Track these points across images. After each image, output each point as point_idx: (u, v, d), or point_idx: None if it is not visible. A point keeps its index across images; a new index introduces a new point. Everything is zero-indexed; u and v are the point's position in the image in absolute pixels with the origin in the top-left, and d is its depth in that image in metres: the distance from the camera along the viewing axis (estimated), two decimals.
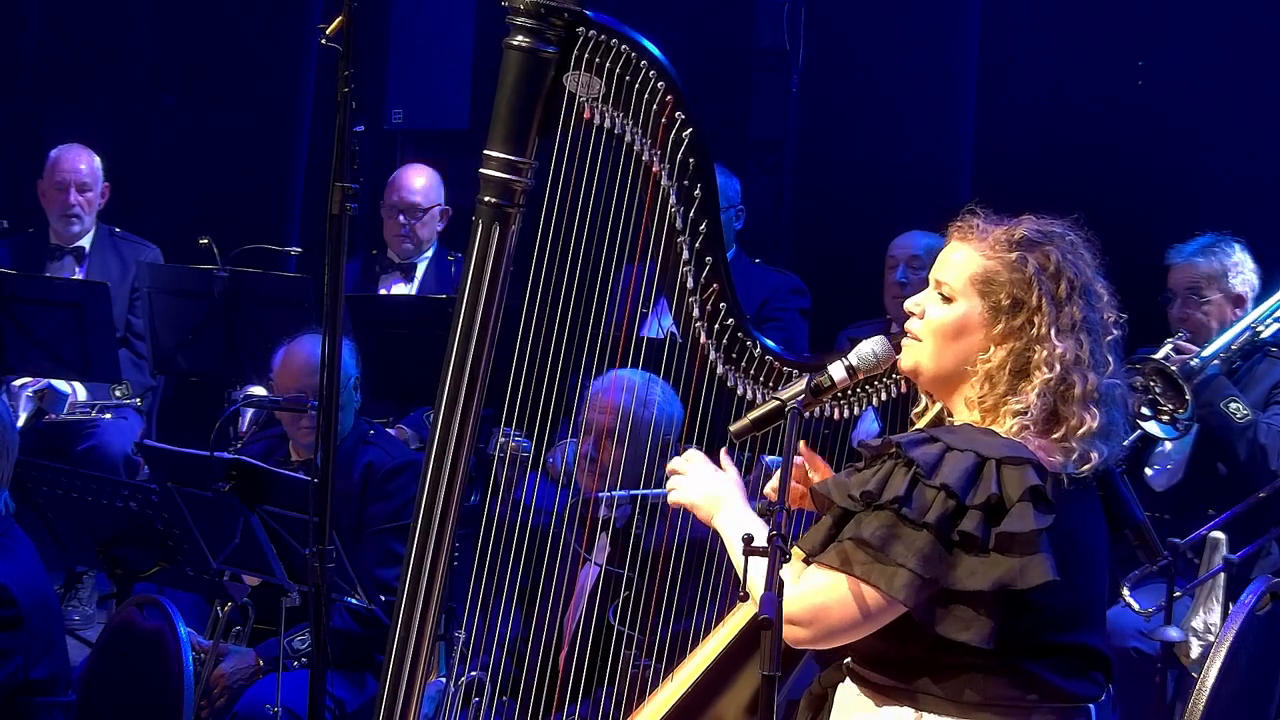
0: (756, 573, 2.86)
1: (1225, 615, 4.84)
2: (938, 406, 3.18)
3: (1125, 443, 3.07)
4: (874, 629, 2.94)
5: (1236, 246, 5.59)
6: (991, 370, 2.98)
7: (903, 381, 3.33)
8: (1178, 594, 4.83)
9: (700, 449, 3.38)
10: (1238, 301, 5.56)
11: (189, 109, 8.47)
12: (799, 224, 7.89)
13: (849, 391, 3.34)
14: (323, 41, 3.57)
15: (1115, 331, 3.00)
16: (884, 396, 3.38)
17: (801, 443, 3.31)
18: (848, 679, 3.11)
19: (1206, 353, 5.36)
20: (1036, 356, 2.95)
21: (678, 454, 4.59)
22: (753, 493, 3.68)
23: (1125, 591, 4.99)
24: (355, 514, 5.34)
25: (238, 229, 7.25)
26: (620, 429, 4.44)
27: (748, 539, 2.88)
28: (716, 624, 3.45)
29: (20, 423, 6.61)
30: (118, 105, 8.47)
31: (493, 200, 3.35)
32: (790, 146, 7.92)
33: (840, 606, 2.92)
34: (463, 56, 8.25)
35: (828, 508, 3.00)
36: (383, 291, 7.05)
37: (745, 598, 2.92)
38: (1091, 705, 3.06)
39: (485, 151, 3.36)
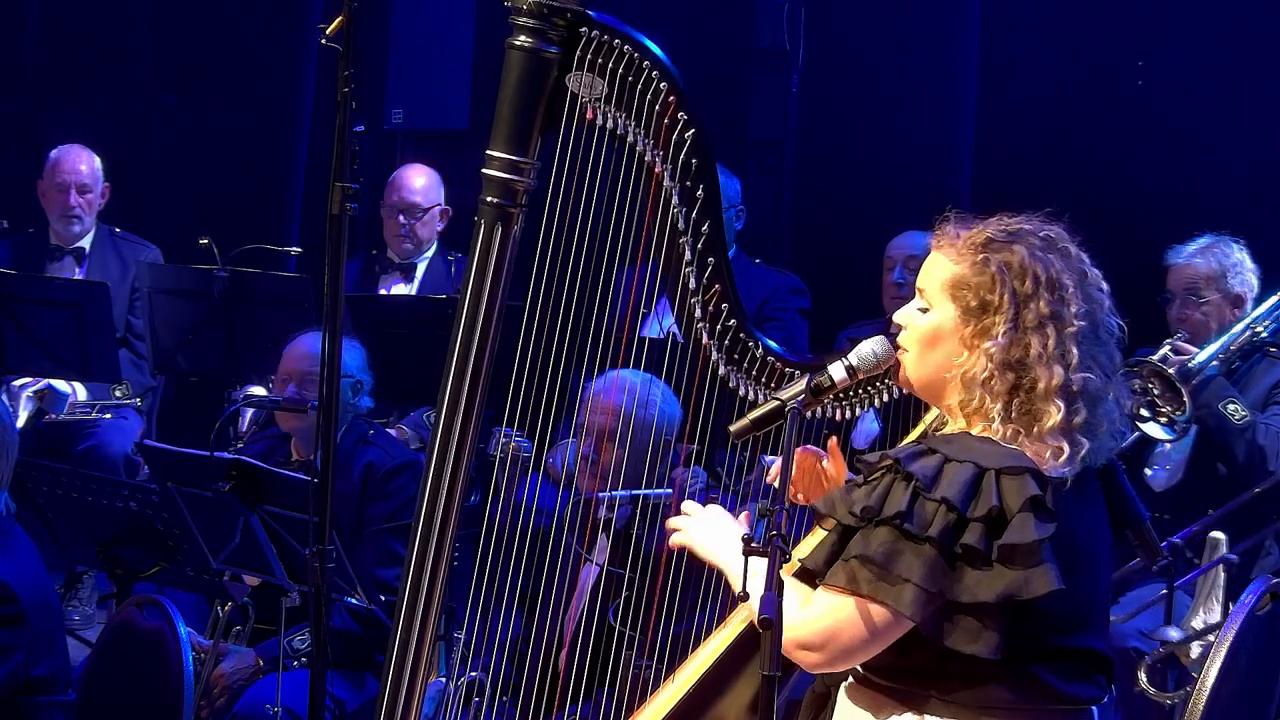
0: (756, 574, 2.86)
1: (1225, 615, 4.84)
2: (935, 410, 3.19)
3: (1124, 443, 3.06)
4: (885, 646, 2.94)
5: (1235, 247, 5.59)
6: (967, 374, 2.97)
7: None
8: (1168, 591, 4.85)
9: (701, 449, 3.38)
10: (1236, 302, 5.56)
11: (189, 109, 8.47)
12: (799, 224, 7.89)
13: (849, 392, 3.34)
14: (323, 41, 3.57)
15: (1079, 323, 2.94)
16: (884, 398, 3.38)
17: (834, 439, 3.32)
18: (850, 679, 3.11)
19: (1201, 357, 5.36)
20: (1014, 357, 2.94)
21: (678, 455, 4.61)
22: (753, 493, 3.69)
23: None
24: (355, 514, 5.34)
25: (238, 229, 7.25)
26: (620, 430, 4.44)
27: (747, 539, 2.88)
28: (717, 625, 3.45)
29: (20, 423, 6.61)
30: (118, 105, 8.47)
31: (495, 200, 3.35)
32: (790, 146, 7.93)
33: (850, 627, 2.92)
34: (463, 56, 8.26)
35: (829, 523, 3.00)
36: (383, 291, 7.06)
37: (745, 597, 2.92)
38: (1094, 707, 3.06)
39: (487, 152, 3.36)
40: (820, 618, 2.93)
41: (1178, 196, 6.95)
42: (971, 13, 7.49)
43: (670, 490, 4.52)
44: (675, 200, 3.37)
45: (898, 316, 3.10)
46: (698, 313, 3.41)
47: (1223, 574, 5.07)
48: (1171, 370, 5.32)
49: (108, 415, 6.95)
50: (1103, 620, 3.10)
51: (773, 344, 3.44)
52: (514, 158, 3.35)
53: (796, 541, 3.32)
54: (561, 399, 3.53)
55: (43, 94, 8.46)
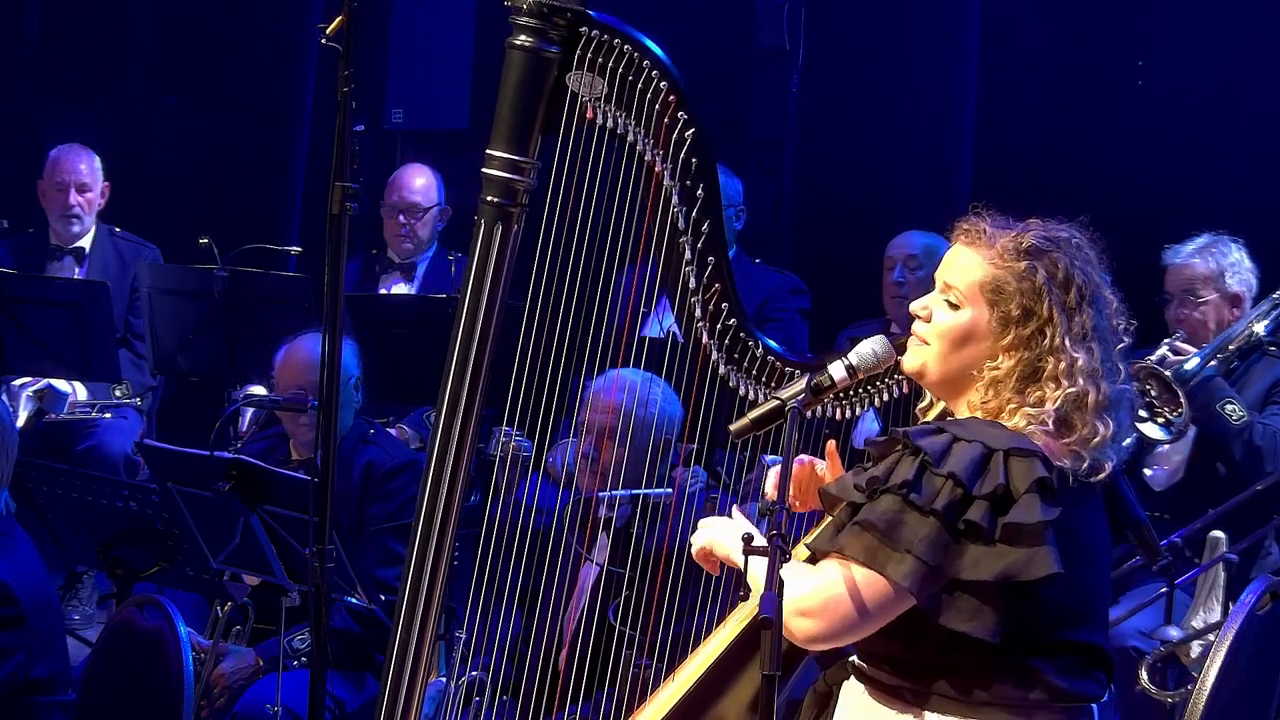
0: (757, 572, 2.86)
1: (1225, 614, 4.84)
2: (941, 404, 3.19)
3: (1126, 443, 3.07)
4: (884, 621, 2.93)
5: (1233, 246, 5.58)
6: (998, 378, 2.98)
7: (904, 382, 3.33)
8: (1168, 591, 4.85)
9: (701, 449, 3.38)
10: (1235, 302, 5.55)
11: (189, 109, 8.47)
12: (799, 224, 7.90)
13: (849, 391, 3.34)
14: (323, 41, 3.57)
15: (1127, 340, 3.00)
16: (884, 397, 3.38)
17: (831, 442, 3.32)
18: (853, 677, 3.11)
19: (1191, 365, 5.35)
20: (1051, 367, 2.95)
21: (677, 455, 4.61)
22: (754, 493, 3.69)
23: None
24: (355, 514, 5.34)
25: (238, 229, 7.25)
26: (620, 429, 4.44)
27: (747, 539, 2.89)
28: (717, 624, 3.45)
29: (20, 423, 6.61)
30: (118, 105, 8.47)
31: (495, 200, 3.35)
32: (790, 146, 7.93)
33: (849, 596, 2.91)
34: (463, 56, 8.26)
35: (836, 507, 3.01)
36: (383, 291, 7.06)
37: (745, 597, 2.92)
38: (1094, 705, 3.06)
39: (488, 151, 3.36)
40: (820, 587, 2.92)
41: (1177, 196, 6.95)
42: (971, 13, 7.49)
43: (670, 490, 4.52)
44: (675, 199, 3.37)
45: (917, 305, 3.08)
46: (697, 312, 3.42)
47: (1222, 573, 5.07)
48: (1168, 372, 5.32)
49: (107, 415, 6.95)
50: (1103, 616, 3.10)
51: (772, 343, 3.44)
52: (514, 157, 3.35)
53: (796, 541, 3.32)
54: (561, 398, 3.53)
55: (43, 94, 8.46)
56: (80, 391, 7.00)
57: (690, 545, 3.24)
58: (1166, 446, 5.52)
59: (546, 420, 3.45)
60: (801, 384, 3.14)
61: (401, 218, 7.07)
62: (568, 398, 3.65)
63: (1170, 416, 5.35)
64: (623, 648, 3.86)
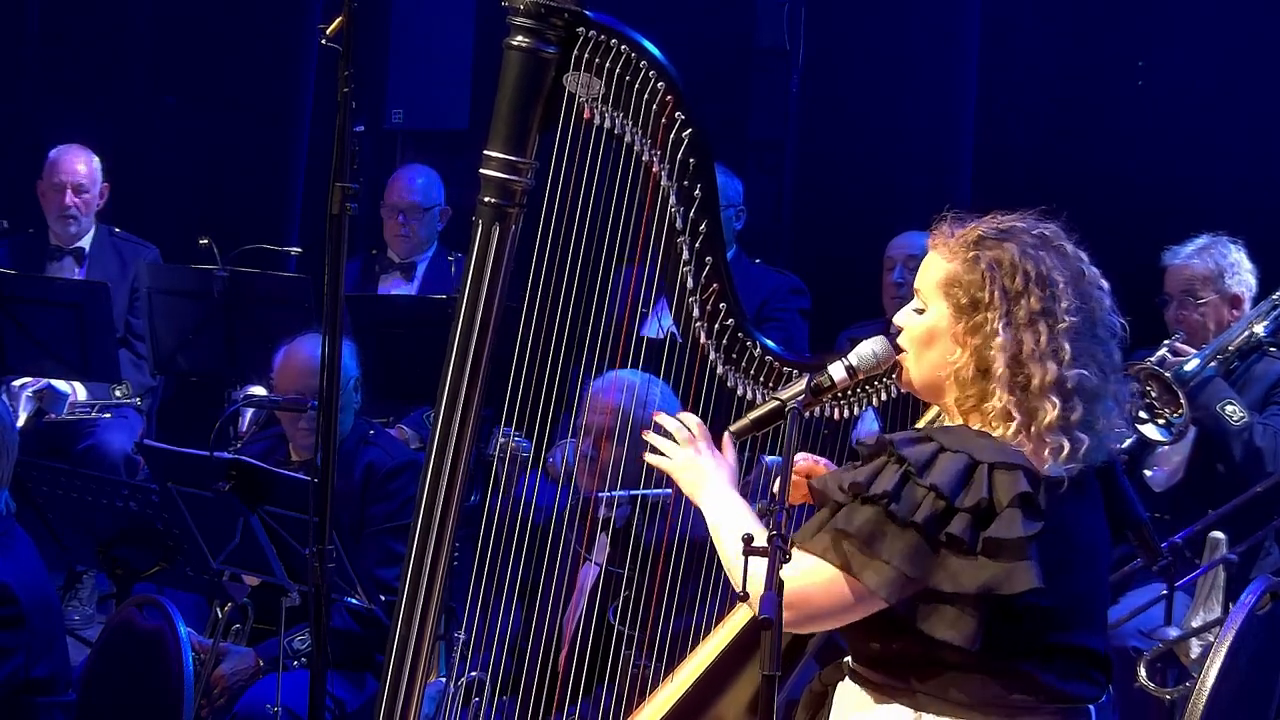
0: (755, 572, 2.86)
1: (1225, 614, 4.84)
2: (935, 409, 3.19)
3: (1124, 444, 3.06)
4: (855, 618, 2.94)
5: (1233, 247, 5.58)
6: (960, 372, 2.97)
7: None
8: (1168, 592, 4.85)
9: None
10: (1234, 302, 5.55)
11: (189, 109, 8.47)
12: (799, 224, 7.90)
13: (849, 391, 3.34)
14: (323, 41, 3.57)
15: (1070, 319, 2.93)
16: (884, 396, 3.38)
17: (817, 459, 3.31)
18: (847, 678, 3.11)
19: (1190, 366, 5.35)
20: (993, 353, 2.94)
21: None
22: (753, 493, 3.68)
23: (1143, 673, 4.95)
24: (355, 514, 5.34)
25: (238, 229, 7.25)
26: (619, 429, 4.44)
27: (747, 539, 2.89)
28: (716, 624, 3.45)
29: (20, 423, 6.61)
30: (118, 105, 8.47)
31: (493, 200, 3.35)
32: (790, 146, 7.93)
33: (823, 593, 2.92)
34: (463, 56, 8.26)
35: (824, 503, 3.00)
36: (383, 291, 7.06)
37: (746, 597, 2.92)
38: (1091, 706, 3.06)
39: (485, 152, 3.36)
40: (794, 578, 2.90)
41: (1177, 196, 6.95)
42: (971, 13, 7.49)
43: (670, 490, 4.51)
44: (673, 199, 3.37)
45: (897, 319, 3.10)
46: (695, 312, 3.42)
47: (1222, 574, 5.07)
48: (1168, 373, 5.32)
49: (107, 415, 6.95)
50: (1100, 619, 3.09)
51: (770, 343, 3.44)
52: (512, 158, 3.35)
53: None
54: (560, 399, 3.53)
55: (43, 94, 8.46)
56: (80, 391, 7.00)
57: (658, 466, 3.23)
58: (1166, 447, 5.52)
59: (545, 420, 3.45)
60: (801, 384, 3.14)
61: (401, 218, 7.07)
62: (566, 398, 3.64)
63: (1170, 417, 5.34)
64: (622, 647, 3.86)
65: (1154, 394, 5.35)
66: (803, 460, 3.30)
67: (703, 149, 3.36)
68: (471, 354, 3.37)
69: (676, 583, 3.61)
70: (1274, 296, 5.52)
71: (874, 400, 3.39)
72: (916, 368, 3.05)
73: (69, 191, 7.18)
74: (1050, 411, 2.91)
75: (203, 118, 8.38)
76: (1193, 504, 5.40)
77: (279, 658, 4.89)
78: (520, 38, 3.34)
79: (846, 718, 3.09)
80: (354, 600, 4.92)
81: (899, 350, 3.09)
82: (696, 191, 3.37)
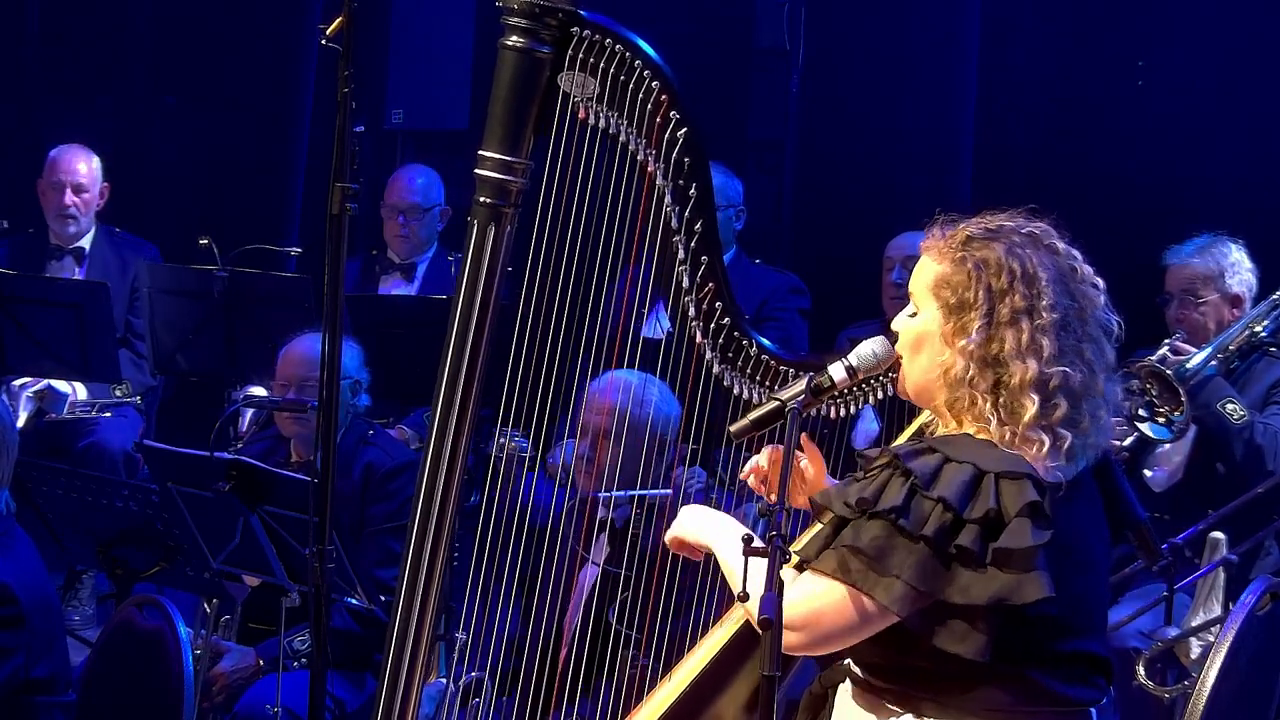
0: (755, 573, 2.85)
1: (1225, 615, 4.84)
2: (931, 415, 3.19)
3: (1122, 443, 3.06)
4: (867, 635, 2.93)
5: (1233, 246, 5.58)
6: (949, 373, 2.96)
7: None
8: (1168, 593, 4.85)
9: (698, 448, 3.37)
10: (1235, 302, 5.55)
11: (189, 109, 8.48)
12: (799, 224, 7.90)
13: (848, 391, 3.34)
14: (323, 41, 3.58)
15: (1049, 315, 2.92)
16: (882, 394, 3.37)
17: (803, 435, 3.31)
18: (848, 680, 3.10)
19: (1199, 358, 5.35)
20: (977, 352, 2.94)
21: (675, 454, 4.61)
22: (752, 494, 3.68)
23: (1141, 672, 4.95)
24: (355, 514, 5.35)
25: (238, 229, 7.25)
26: (617, 429, 4.44)
27: (748, 539, 2.88)
28: (715, 623, 3.45)
29: (20, 423, 6.61)
30: (118, 105, 8.47)
31: (488, 200, 3.35)
32: (790, 146, 7.93)
33: (834, 613, 2.91)
34: (463, 56, 8.26)
35: (825, 516, 3.00)
36: (383, 292, 7.06)
37: (745, 598, 2.92)
38: (1092, 708, 3.06)
39: (480, 152, 3.36)
40: (805, 600, 2.91)
41: (1177, 196, 6.95)
42: (971, 13, 7.49)
43: (669, 490, 4.52)
44: (668, 199, 3.37)
45: (894, 325, 3.10)
46: (691, 311, 3.41)
47: (1222, 574, 5.07)
48: (1169, 371, 5.32)
49: (108, 414, 6.96)
50: (1100, 623, 3.09)
51: (767, 343, 3.44)
52: (507, 158, 3.35)
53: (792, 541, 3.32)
54: (558, 399, 3.53)
55: (43, 94, 8.46)
56: (80, 391, 7.00)
57: (665, 536, 3.24)
58: (1167, 446, 5.52)
59: (543, 420, 3.45)
60: (801, 385, 3.13)
61: (401, 218, 7.07)
62: (563, 398, 3.64)
63: (1171, 415, 5.34)
64: (621, 647, 3.86)
65: (1154, 392, 5.34)
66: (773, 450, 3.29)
67: (698, 148, 3.36)
68: (467, 354, 3.37)
69: (675, 583, 3.61)
70: (1274, 296, 5.52)
71: (872, 398, 3.38)
72: (910, 371, 3.05)
73: (69, 191, 7.18)
74: (1029, 408, 2.90)
75: (203, 118, 8.38)
76: (1193, 504, 5.40)
77: (279, 658, 4.89)
78: (515, 38, 3.34)
79: None
80: (354, 600, 4.92)
81: (899, 352, 3.09)
82: (692, 191, 3.36)
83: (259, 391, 6.43)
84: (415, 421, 6.55)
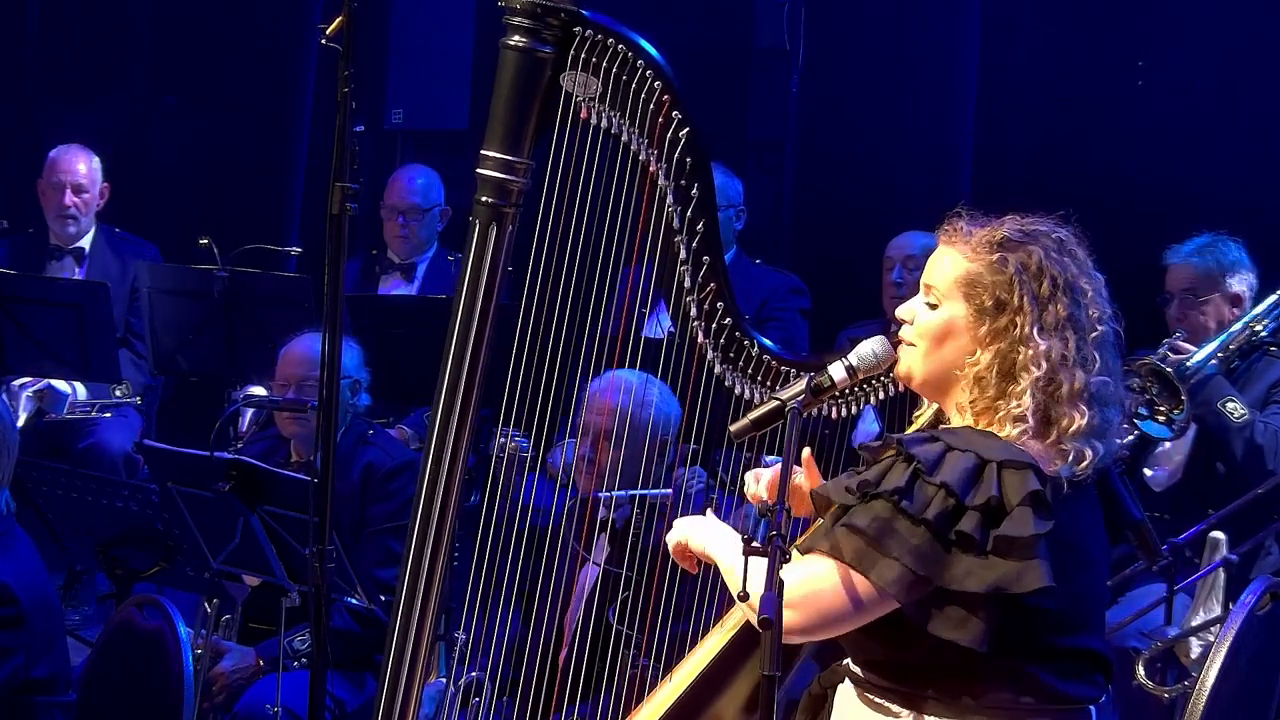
0: (755, 573, 2.86)
1: (1225, 615, 4.84)
2: (934, 406, 3.18)
3: (1122, 442, 3.06)
4: (864, 620, 2.93)
5: (1233, 246, 5.58)
6: (980, 373, 2.97)
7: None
8: (1168, 594, 4.85)
9: (698, 448, 3.38)
10: (1235, 301, 5.55)
11: (189, 109, 8.48)
12: (799, 224, 7.90)
13: (848, 391, 3.34)
14: (323, 41, 3.58)
15: (1101, 328, 2.96)
16: (883, 395, 3.37)
17: (806, 450, 3.31)
18: (847, 680, 3.11)
19: (1198, 357, 5.36)
20: (1022, 357, 2.94)
21: (675, 454, 4.61)
22: None
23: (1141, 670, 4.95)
24: (355, 514, 5.35)
25: (238, 229, 7.25)
26: (618, 430, 4.44)
27: (748, 539, 2.88)
28: (715, 623, 3.45)
29: (20, 423, 6.61)
30: (118, 105, 8.47)
31: (489, 200, 3.36)
32: (790, 146, 7.93)
33: (831, 593, 2.91)
34: (463, 56, 8.26)
35: (827, 509, 3.00)
36: (383, 292, 7.05)
37: (745, 598, 2.92)
38: (1092, 707, 3.06)
39: (482, 151, 3.36)
40: (802, 580, 2.91)
41: (1177, 196, 6.95)
42: (971, 13, 7.49)
43: (669, 490, 4.52)
44: (670, 199, 3.37)
45: (901, 310, 3.10)
46: (693, 311, 3.41)
47: (1222, 574, 5.07)
48: (1169, 370, 5.32)
49: (108, 414, 6.95)
50: (1099, 621, 3.10)
51: (768, 343, 3.44)
52: (509, 157, 3.35)
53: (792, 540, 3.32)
54: (559, 399, 3.53)
55: (43, 94, 8.46)
56: (80, 391, 7.00)
57: (665, 543, 3.24)
58: (1167, 446, 5.52)
59: (544, 420, 3.45)
60: (801, 385, 3.13)
61: (401, 218, 7.07)
62: (563, 398, 3.64)
63: (1171, 414, 5.34)
64: (621, 647, 3.86)
65: (1155, 391, 5.35)
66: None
67: (699, 148, 3.36)
68: (469, 354, 3.37)
69: (676, 583, 3.61)
70: (1275, 296, 5.52)
71: (873, 399, 3.38)
72: (924, 363, 3.05)
73: (69, 191, 7.18)
74: (1078, 420, 2.92)
75: (203, 118, 8.38)
76: (1193, 504, 5.40)
77: (279, 658, 4.89)
78: (517, 37, 3.34)
79: None
80: (354, 600, 4.92)
81: (902, 343, 3.08)
82: (694, 191, 3.36)
83: (259, 391, 6.43)
84: (415, 421, 6.55)
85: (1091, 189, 7.06)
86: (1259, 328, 5.49)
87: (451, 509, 3.40)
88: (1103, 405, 2.95)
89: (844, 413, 3.40)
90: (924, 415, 3.25)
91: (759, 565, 2.81)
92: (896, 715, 3.01)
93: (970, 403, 2.99)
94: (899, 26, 7.62)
